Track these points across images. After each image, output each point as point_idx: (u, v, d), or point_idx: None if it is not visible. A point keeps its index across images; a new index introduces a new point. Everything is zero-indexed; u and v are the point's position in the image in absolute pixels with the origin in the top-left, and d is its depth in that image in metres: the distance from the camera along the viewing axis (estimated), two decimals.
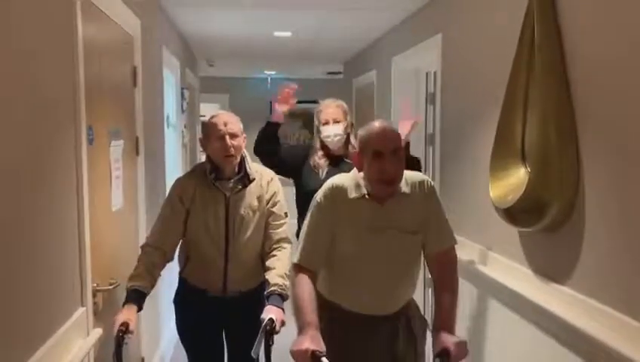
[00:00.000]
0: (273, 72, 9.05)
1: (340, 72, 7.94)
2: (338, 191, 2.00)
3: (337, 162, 2.97)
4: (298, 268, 1.99)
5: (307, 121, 9.99)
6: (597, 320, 1.94)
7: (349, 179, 2.04)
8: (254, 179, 2.48)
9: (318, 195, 2.03)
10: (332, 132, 2.93)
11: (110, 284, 2.35)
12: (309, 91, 9.59)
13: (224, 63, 7.51)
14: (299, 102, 10.12)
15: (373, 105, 5.51)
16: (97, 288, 2.22)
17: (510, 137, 2.43)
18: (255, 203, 2.46)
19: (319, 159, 2.99)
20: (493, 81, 2.65)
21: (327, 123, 2.96)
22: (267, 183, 2.50)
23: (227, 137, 2.39)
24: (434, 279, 2.07)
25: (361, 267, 2.01)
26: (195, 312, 2.54)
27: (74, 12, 2.02)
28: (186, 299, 2.58)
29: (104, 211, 2.42)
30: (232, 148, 2.39)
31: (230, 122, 2.43)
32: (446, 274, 2.03)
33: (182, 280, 2.58)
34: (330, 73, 8.39)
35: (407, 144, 2.89)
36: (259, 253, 2.51)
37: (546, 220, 2.21)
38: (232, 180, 2.46)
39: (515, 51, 2.35)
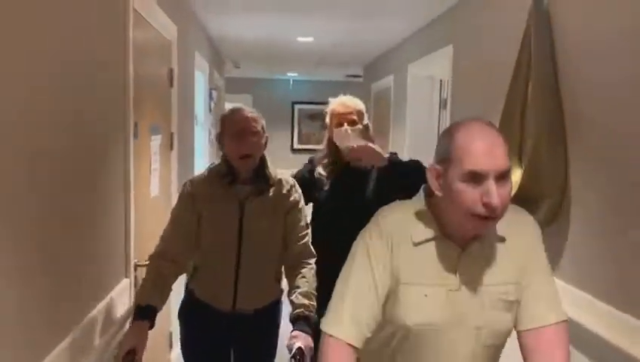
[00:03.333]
0: (295, 74, 9.37)
1: (359, 76, 8.20)
2: (398, 230, 1.40)
3: (347, 171, 2.63)
4: (332, 342, 1.38)
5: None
6: (578, 305, 2.19)
7: (411, 213, 1.42)
8: (273, 185, 2.23)
9: (365, 237, 1.43)
10: (347, 135, 2.59)
11: (146, 261, 2.64)
12: (329, 93, 9.93)
13: (249, 65, 7.82)
14: (318, 103, 10.49)
15: (390, 109, 5.78)
16: (137, 263, 2.52)
17: (510, 142, 2.69)
18: (273, 212, 2.21)
19: (324, 169, 2.68)
20: (496, 90, 2.91)
21: (341, 125, 2.63)
22: (288, 191, 2.26)
23: (245, 134, 2.14)
24: None
25: (433, 345, 1.41)
26: (200, 328, 2.29)
27: (127, 21, 2.32)
28: (191, 313, 2.33)
29: (144, 198, 2.73)
30: (249, 147, 2.14)
31: (250, 118, 2.17)
32: None
33: (188, 292, 2.34)
34: (349, 76, 8.66)
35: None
36: (274, 268, 2.28)
37: (538, 216, 2.46)
38: (249, 185, 2.20)
39: (515, 64, 2.61)
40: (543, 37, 2.45)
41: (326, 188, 2.63)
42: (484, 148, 1.27)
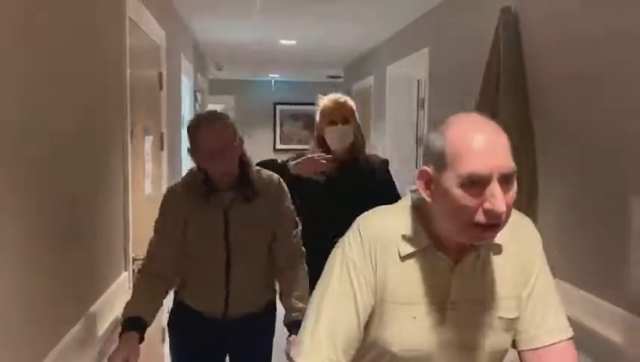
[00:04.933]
0: (277, 75, 9.51)
1: (340, 76, 8.38)
2: (382, 241, 1.21)
3: (339, 170, 2.63)
4: None
5: (308, 122, 10.47)
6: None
7: (397, 220, 1.24)
8: (259, 193, 2.11)
9: (344, 247, 1.24)
10: (340, 133, 2.62)
11: (143, 256, 2.79)
12: (311, 94, 10.09)
13: (232, 67, 7.96)
14: (300, 103, 10.60)
15: (370, 108, 5.97)
16: (135, 257, 2.66)
17: None
18: (260, 215, 2.11)
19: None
20: (468, 91, 3.10)
21: (333, 123, 2.62)
22: (274, 191, 2.16)
23: (221, 153, 1.98)
24: None
25: None
26: (192, 337, 2.23)
27: (124, 28, 2.45)
28: (181, 322, 2.27)
29: (139, 195, 2.86)
30: (227, 165, 2.02)
31: (223, 133, 2.00)
32: None
33: (177, 302, 2.27)
34: (330, 77, 8.83)
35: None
36: (265, 271, 2.21)
37: None
38: (232, 191, 2.09)
39: (486, 64, 2.80)
40: (512, 38, 2.64)
41: (318, 185, 2.58)
42: (485, 147, 1.07)
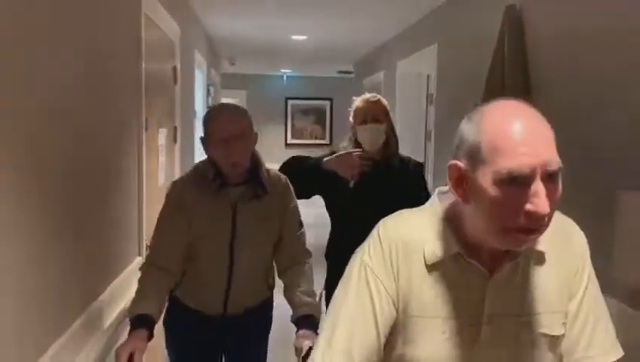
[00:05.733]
0: (289, 70, 9.60)
1: (350, 72, 8.46)
2: (406, 248, 1.09)
3: (372, 170, 2.53)
4: None
5: (319, 116, 10.58)
6: None
7: (423, 224, 1.11)
8: (269, 191, 2.07)
9: (363, 254, 1.13)
10: (371, 133, 2.55)
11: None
12: (322, 89, 10.22)
13: (244, 62, 8.06)
14: (311, 98, 10.74)
15: None
16: (148, 244, 2.77)
17: None
18: (267, 213, 2.08)
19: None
20: (475, 86, 3.17)
21: (364, 122, 2.57)
22: (282, 190, 2.14)
23: (233, 141, 1.95)
24: None
25: None
26: (188, 334, 2.17)
27: (140, 23, 2.55)
28: (177, 320, 2.19)
29: (153, 185, 2.97)
30: (238, 155, 1.97)
31: (237, 120, 1.99)
32: None
33: (173, 298, 2.16)
34: (341, 72, 8.90)
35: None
36: (267, 269, 2.19)
37: None
38: (241, 186, 2.05)
39: (490, 61, 2.87)
40: (516, 36, 2.71)
41: (351, 184, 2.51)
42: (527, 140, 0.95)
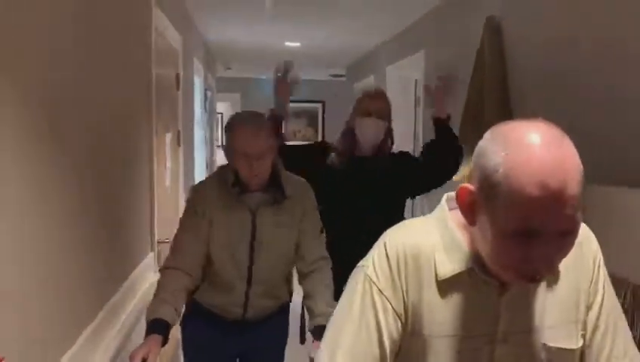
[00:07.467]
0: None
1: (342, 75, 8.68)
2: (415, 262, 1.03)
3: (359, 162, 2.51)
4: None
5: (311, 119, 10.79)
6: None
7: (433, 235, 1.05)
8: (289, 197, 2.08)
9: (368, 263, 1.07)
10: (372, 127, 2.45)
11: (166, 239, 3.08)
12: (314, 92, 10.40)
13: (238, 66, 8.26)
14: (303, 101, 10.94)
15: None
16: (159, 240, 2.98)
17: (470, 134, 3.19)
18: (287, 218, 2.09)
19: (337, 157, 2.52)
20: (459, 90, 3.40)
21: (368, 114, 2.46)
22: (301, 195, 2.14)
23: (258, 158, 1.97)
24: None
25: None
26: (206, 337, 2.20)
27: (150, 35, 2.77)
28: (195, 322, 2.22)
29: (161, 186, 3.18)
30: (261, 170, 2.01)
31: (256, 138, 1.97)
32: None
33: (192, 301, 2.17)
34: (333, 75, 9.12)
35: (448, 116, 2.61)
36: (286, 275, 2.21)
37: None
38: (261, 192, 2.07)
39: (472, 69, 3.10)
40: (495, 43, 2.94)
41: (337, 177, 2.48)
42: (550, 202, 0.84)
